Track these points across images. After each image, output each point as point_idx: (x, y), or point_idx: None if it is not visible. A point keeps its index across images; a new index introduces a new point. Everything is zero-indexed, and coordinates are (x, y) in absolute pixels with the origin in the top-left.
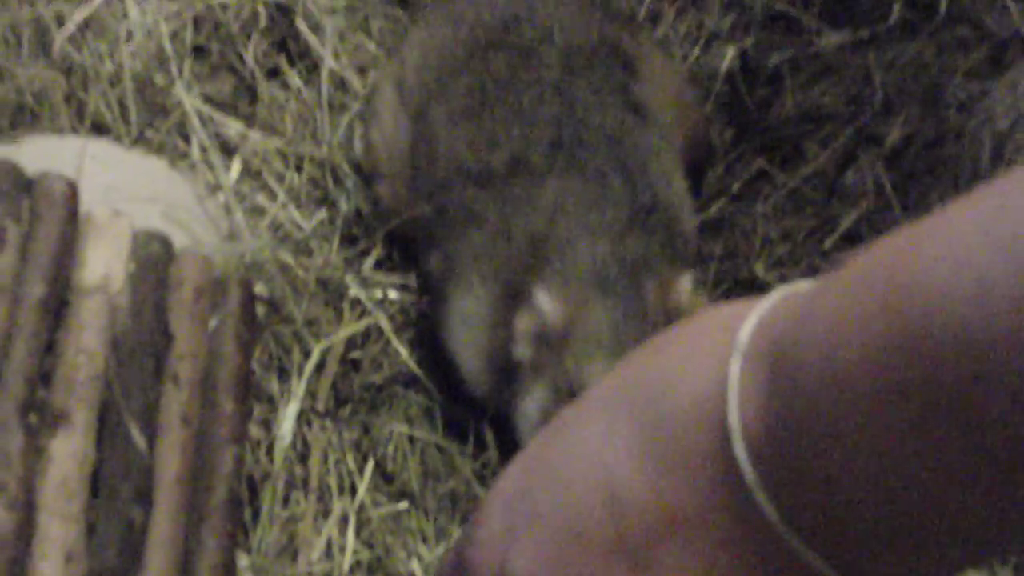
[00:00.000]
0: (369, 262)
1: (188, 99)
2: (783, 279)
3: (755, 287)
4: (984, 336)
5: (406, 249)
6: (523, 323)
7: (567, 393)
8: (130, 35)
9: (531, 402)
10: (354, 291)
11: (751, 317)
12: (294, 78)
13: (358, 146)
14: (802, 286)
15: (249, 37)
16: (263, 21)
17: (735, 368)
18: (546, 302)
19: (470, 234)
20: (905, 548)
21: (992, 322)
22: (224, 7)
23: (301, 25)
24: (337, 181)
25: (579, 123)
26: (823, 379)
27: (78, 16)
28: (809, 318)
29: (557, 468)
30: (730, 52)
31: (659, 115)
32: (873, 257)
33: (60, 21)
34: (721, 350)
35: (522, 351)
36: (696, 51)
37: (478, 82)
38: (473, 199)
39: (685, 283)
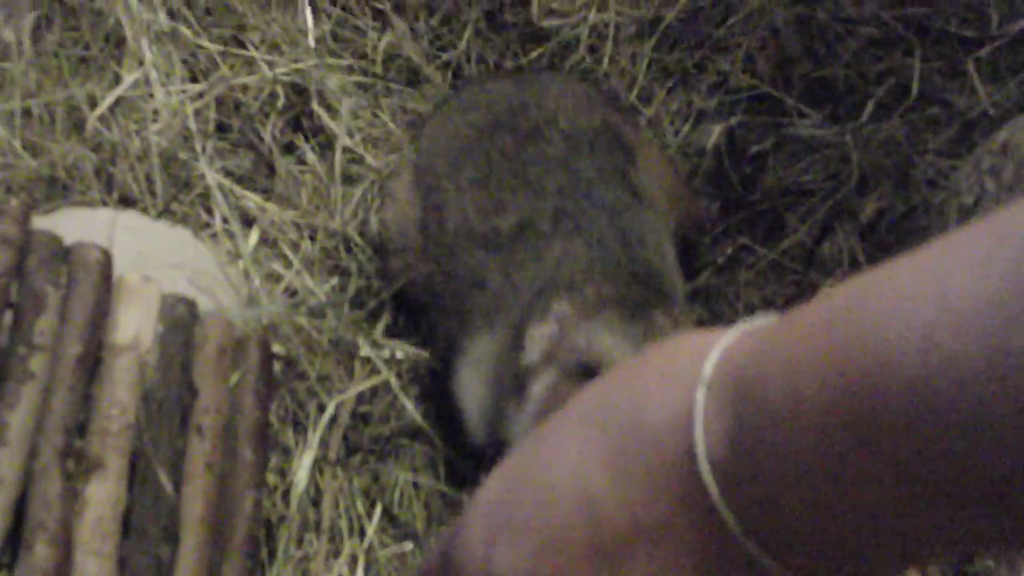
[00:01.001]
0: (380, 325)
1: (210, 174)
2: None
3: None
4: (924, 388)
5: (412, 314)
6: (538, 331)
7: (576, 369)
8: (156, 115)
9: (538, 385)
10: (365, 351)
11: (715, 350)
12: (309, 154)
13: (373, 224)
14: (761, 322)
15: (267, 116)
16: (280, 101)
17: (700, 396)
18: (564, 308)
19: (478, 293)
20: (849, 555)
21: (933, 375)
22: (244, 88)
23: (315, 105)
24: (349, 250)
25: (582, 195)
26: (781, 413)
27: (109, 97)
28: (769, 356)
29: (537, 478)
30: (717, 130)
31: (653, 199)
32: (830, 304)
33: (92, 101)
34: (688, 378)
35: (532, 357)
36: (686, 128)
37: (486, 156)
38: (481, 262)
39: (690, 322)
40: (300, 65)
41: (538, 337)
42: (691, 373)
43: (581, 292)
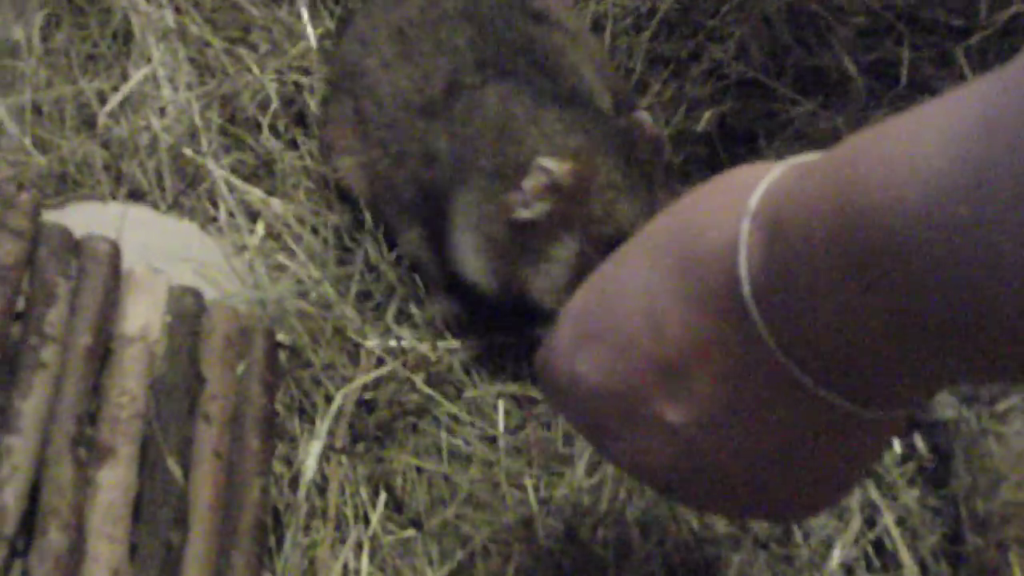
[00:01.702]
0: (389, 312)
1: (216, 169)
2: None
3: None
4: (897, 241)
5: (420, 300)
6: (531, 183)
7: (599, 236)
8: (164, 111)
9: (563, 251)
10: (371, 343)
11: (761, 184)
12: (311, 149)
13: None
14: (804, 159)
15: (269, 114)
16: (275, 102)
17: (745, 227)
18: (550, 163)
19: (436, 167)
20: (867, 377)
21: (903, 230)
22: (248, 86)
23: (312, 103)
24: (355, 241)
25: (493, 39)
26: (798, 247)
27: (119, 94)
28: (795, 194)
29: (614, 293)
30: (707, 115)
31: (561, 21)
32: (842, 152)
33: (101, 98)
34: (737, 210)
35: (537, 208)
36: (679, 116)
37: (397, 29)
38: (424, 131)
39: (646, 116)
40: (298, 64)
41: (534, 188)
42: (740, 205)
43: (549, 138)
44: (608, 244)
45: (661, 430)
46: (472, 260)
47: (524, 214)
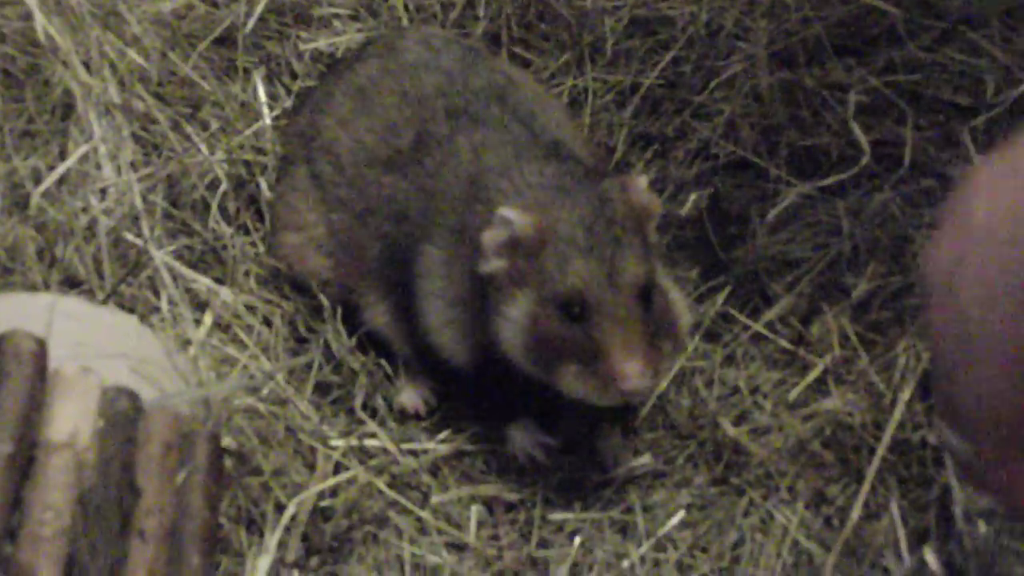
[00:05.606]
0: (357, 399)
1: (158, 256)
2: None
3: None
4: None
5: (386, 391)
6: (490, 237)
7: (552, 297)
8: (104, 192)
9: (515, 309)
10: (329, 443)
11: None
12: (263, 234)
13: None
14: None
15: (218, 195)
16: (224, 184)
17: None
18: (512, 214)
19: (405, 223)
20: None
21: None
22: (196, 166)
23: (264, 184)
24: (311, 330)
25: (463, 88)
26: None
27: (54, 173)
28: None
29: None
30: (692, 198)
31: (527, 84)
32: None
33: (36, 177)
34: None
35: (495, 264)
36: (664, 198)
37: (354, 86)
38: (391, 187)
39: (642, 182)
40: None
41: (493, 242)
42: None
43: (518, 179)
44: (560, 304)
45: None
46: (439, 325)
47: (484, 268)
